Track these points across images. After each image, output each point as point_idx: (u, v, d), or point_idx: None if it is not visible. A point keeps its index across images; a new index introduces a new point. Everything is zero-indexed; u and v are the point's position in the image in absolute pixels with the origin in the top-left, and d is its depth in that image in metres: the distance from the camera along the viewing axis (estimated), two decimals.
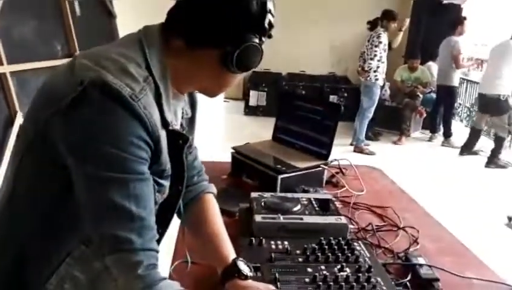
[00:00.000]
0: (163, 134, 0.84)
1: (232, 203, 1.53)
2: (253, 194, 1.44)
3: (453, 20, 6.32)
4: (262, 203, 1.38)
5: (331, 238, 1.19)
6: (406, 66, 6.70)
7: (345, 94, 7.31)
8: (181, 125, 0.98)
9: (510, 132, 5.70)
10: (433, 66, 6.75)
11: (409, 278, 1.17)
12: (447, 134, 6.54)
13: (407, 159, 5.57)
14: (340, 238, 1.20)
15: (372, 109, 5.65)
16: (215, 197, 1.20)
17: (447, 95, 6.45)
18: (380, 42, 5.38)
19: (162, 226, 0.87)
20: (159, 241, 0.87)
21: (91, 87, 0.73)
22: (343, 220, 1.32)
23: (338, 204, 1.53)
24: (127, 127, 0.75)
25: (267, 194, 1.45)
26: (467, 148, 5.98)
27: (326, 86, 7.43)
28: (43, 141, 0.79)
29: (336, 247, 1.16)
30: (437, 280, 1.18)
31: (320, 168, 1.77)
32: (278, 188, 1.63)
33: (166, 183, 0.91)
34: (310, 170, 1.74)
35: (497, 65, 5.38)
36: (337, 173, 1.92)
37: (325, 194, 1.59)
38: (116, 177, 0.75)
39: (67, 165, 0.77)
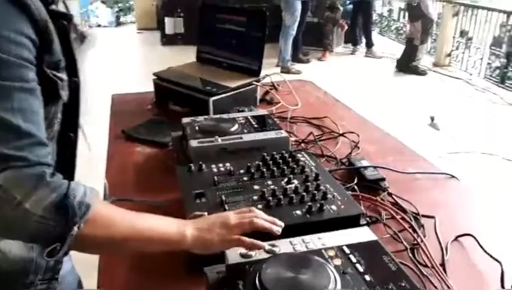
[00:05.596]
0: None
1: (162, 133, 1.42)
2: (185, 120, 1.32)
3: None
4: (197, 128, 1.27)
5: (274, 153, 1.12)
6: None
7: (266, 14, 7.07)
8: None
9: (423, 42, 5.69)
10: None
11: (355, 181, 1.15)
12: (369, 44, 6.66)
13: (334, 73, 5.63)
14: (283, 152, 1.14)
15: (295, 26, 5.54)
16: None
17: (363, 5, 6.47)
18: None
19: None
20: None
21: None
22: (284, 133, 1.25)
23: (275, 120, 1.46)
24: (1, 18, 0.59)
25: (200, 118, 1.33)
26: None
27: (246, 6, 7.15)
28: None
29: (280, 161, 1.09)
30: (383, 179, 1.17)
31: (253, 86, 1.67)
32: (211, 112, 1.51)
33: (65, 76, 0.76)
34: (242, 89, 1.63)
35: None
36: (270, 89, 1.83)
37: (260, 111, 1.51)
38: None
39: None
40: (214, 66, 1.81)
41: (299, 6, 5.44)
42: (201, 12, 1.95)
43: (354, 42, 6.91)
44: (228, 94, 1.57)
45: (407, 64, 5.71)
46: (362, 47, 6.84)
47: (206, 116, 1.36)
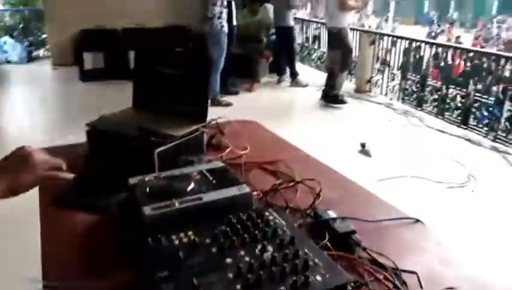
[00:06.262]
0: None
1: (101, 195, 1.25)
2: (132, 180, 1.16)
3: None
4: (147, 190, 1.12)
5: (241, 214, 1.02)
6: (246, 11, 6.66)
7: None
8: None
9: (342, 70, 5.78)
10: (270, 8, 6.86)
11: (327, 238, 1.07)
12: (293, 74, 6.81)
13: (264, 105, 5.67)
14: (250, 212, 1.03)
15: (223, 58, 5.51)
16: None
17: (285, 35, 6.65)
18: None
19: None
20: None
21: None
22: (246, 188, 1.15)
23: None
24: None
25: (148, 177, 1.19)
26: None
27: (169, 39, 7.01)
28: None
29: (248, 223, 0.99)
30: (354, 232, 1.10)
31: (199, 132, 1.56)
32: (157, 166, 1.37)
33: None
34: (189, 136, 1.51)
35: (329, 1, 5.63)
36: (215, 133, 1.73)
37: (214, 162, 1.39)
38: None
39: None
40: (153, 112, 1.66)
41: (225, 38, 5.44)
42: (137, 55, 1.81)
43: (279, 72, 7.05)
44: (175, 143, 1.45)
45: (329, 93, 5.84)
46: (287, 76, 6.99)
47: (155, 174, 1.22)
